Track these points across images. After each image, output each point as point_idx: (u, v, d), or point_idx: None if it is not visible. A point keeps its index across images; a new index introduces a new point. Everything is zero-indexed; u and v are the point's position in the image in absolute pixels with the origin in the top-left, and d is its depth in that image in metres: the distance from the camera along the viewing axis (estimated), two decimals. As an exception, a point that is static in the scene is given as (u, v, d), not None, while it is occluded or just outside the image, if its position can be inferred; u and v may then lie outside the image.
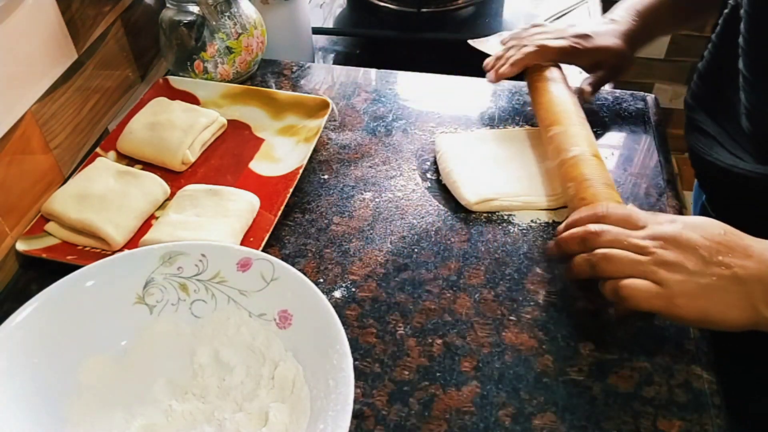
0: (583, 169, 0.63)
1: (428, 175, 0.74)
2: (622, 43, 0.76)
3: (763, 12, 0.55)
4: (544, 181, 0.70)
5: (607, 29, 0.77)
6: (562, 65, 0.79)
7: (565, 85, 0.75)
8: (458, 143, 0.75)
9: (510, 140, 0.76)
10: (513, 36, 0.82)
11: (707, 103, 0.70)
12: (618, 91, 0.86)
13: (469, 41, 0.89)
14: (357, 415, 0.53)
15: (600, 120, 0.80)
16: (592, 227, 0.55)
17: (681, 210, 0.69)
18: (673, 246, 0.51)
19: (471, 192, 0.69)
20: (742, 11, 0.54)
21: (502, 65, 0.77)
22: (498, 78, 0.77)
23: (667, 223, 0.53)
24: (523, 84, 0.86)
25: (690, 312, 0.49)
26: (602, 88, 0.86)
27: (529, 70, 0.78)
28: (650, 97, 0.84)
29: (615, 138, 0.78)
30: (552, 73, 0.76)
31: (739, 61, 0.56)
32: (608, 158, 0.75)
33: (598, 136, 0.78)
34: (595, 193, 0.60)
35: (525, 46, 0.77)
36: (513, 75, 0.77)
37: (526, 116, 0.81)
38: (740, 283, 0.49)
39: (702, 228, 0.52)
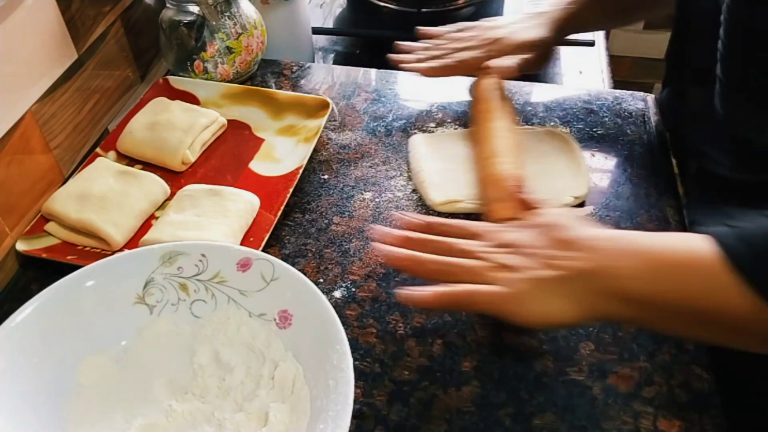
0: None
1: (428, 175, 0.74)
2: (544, 32, 0.76)
3: (742, 17, 0.54)
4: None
5: (527, 24, 0.78)
6: None
7: (501, 109, 0.73)
8: (430, 143, 0.76)
9: None
10: (441, 35, 0.82)
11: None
12: (618, 91, 0.86)
13: None
14: (357, 415, 0.53)
15: (600, 120, 0.80)
16: (449, 240, 0.55)
17: (681, 210, 0.69)
18: (516, 250, 0.52)
19: (437, 193, 0.69)
20: (721, 17, 0.54)
21: (419, 61, 0.78)
22: (409, 70, 0.78)
23: (514, 230, 0.54)
24: (523, 84, 0.86)
25: (527, 312, 0.49)
26: (602, 88, 0.86)
27: (475, 89, 0.77)
28: (650, 97, 0.84)
29: (615, 138, 0.78)
30: (491, 98, 0.74)
31: (717, 66, 0.56)
32: (608, 158, 0.75)
33: (598, 136, 0.78)
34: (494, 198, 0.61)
35: (446, 55, 0.78)
36: (425, 76, 0.79)
37: (526, 116, 0.81)
38: (574, 279, 0.49)
39: (546, 228, 0.53)
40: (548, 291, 0.49)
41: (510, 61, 0.75)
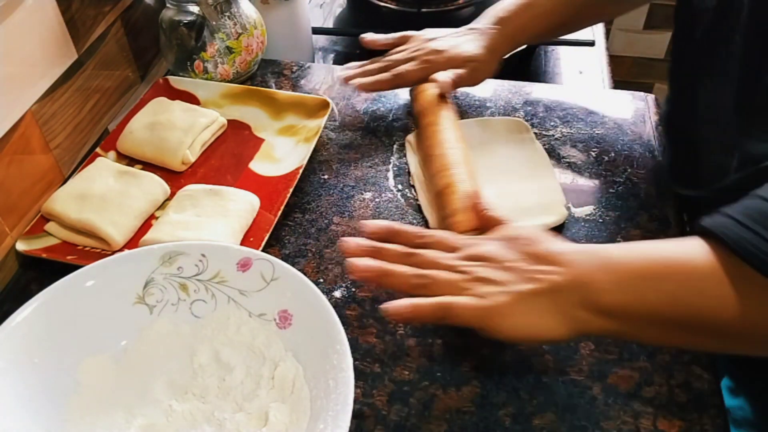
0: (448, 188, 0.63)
1: (428, 175, 0.74)
2: (477, 48, 0.76)
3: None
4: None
5: (465, 38, 0.77)
6: None
7: (447, 119, 0.73)
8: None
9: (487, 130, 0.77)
10: (382, 43, 0.83)
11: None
12: (618, 91, 0.86)
13: None
14: (357, 415, 0.53)
15: (600, 120, 0.80)
16: (416, 250, 0.54)
17: (681, 210, 0.69)
18: (489, 263, 0.51)
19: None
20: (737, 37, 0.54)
21: (362, 76, 0.79)
22: (354, 85, 0.78)
23: (485, 242, 0.53)
24: (523, 84, 0.86)
25: (510, 327, 0.49)
26: (602, 88, 0.86)
27: (415, 103, 0.77)
28: (650, 97, 0.84)
29: (615, 138, 0.78)
30: (435, 109, 0.74)
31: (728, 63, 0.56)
32: (608, 158, 0.75)
33: (598, 136, 0.78)
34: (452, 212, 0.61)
35: (384, 69, 0.78)
36: (363, 91, 0.79)
37: (526, 115, 0.81)
38: (554, 293, 0.48)
39: (517, 240, 0.52)
40: (529, 305, 0.49)
41: (445, 75, 0.74)
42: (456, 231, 0.59)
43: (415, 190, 0.72)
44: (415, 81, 0.77)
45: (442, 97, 0.75)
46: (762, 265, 0.43)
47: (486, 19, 0.79)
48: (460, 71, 0.75)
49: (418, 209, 0.70)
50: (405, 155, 0.76)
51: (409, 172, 0.74)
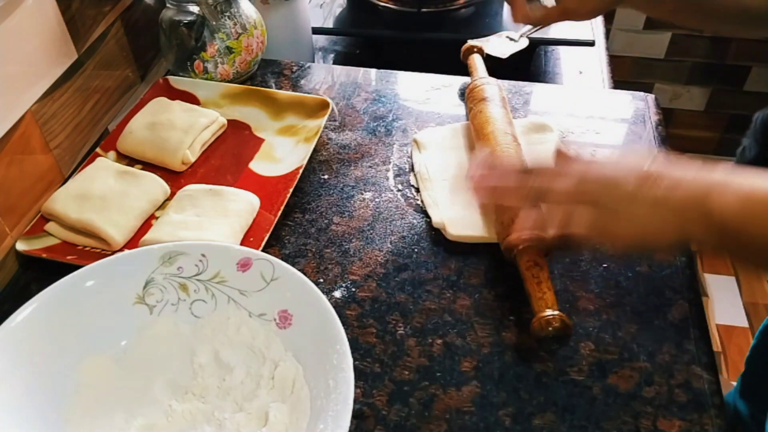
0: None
1: (428, 175, 0.74)
2: None
3: None
4: None
5: None
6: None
7: (500, 102, 0.74)
8: (434, 143, 0.76)
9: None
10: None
11: None
12: (618, 91, 0.86)
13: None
14: (357, 415, 0.53)
15: (600, 120, 0.80)
16: (514, 178, 0.55)
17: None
18: (600, 183, 0.51)
19: (452, 228, 0.66)
20: None
21: None
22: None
23: (591, 164, 0.53)
24: (523, 84, 0.86)
25: (627, 235, 0.50)
26: (602, 88, 0.86)
27: (468, 89, 0.78)
28: (650, 97, 0.84)
29: (615, 138, 0.78)
30: (488, 91, 0.76)
31: None
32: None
33: (598, 136, 0.78)
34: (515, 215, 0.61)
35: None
36: None
37: (526, 115, 0.81)
38: (671, 207, 0.49)
39: (625, 162, 0.52)
40: (644, 209, 0.49)
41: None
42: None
43: (416, 190, 0.72)
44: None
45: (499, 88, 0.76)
46: None
47: None
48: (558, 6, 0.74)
49: (418, 209, 0.70)
50: (405, 155, 0.76)
51: (412, 172, 0.74)
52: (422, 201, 0.70)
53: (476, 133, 0.73)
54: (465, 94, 0.81)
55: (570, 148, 0.58)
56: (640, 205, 0.49)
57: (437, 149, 0.75)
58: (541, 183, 0.54)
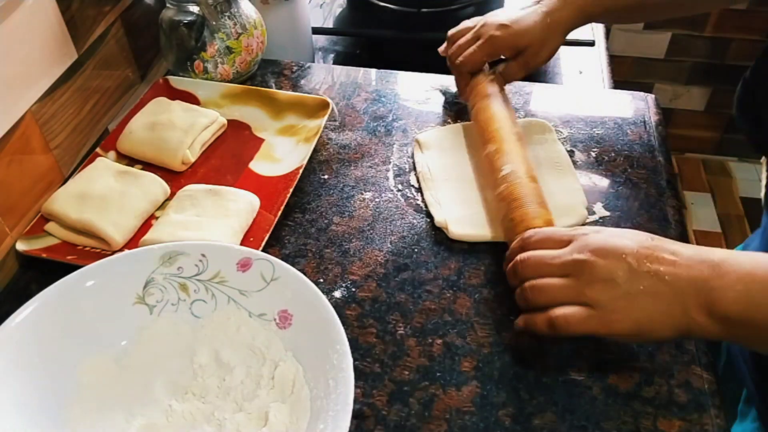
0: (514, 189, 0.62)
1: (428, 175, 0.74)
2: (542, 25, 0.74)
3: None
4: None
5: (527, 12, 0.75)
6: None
7: (502, 100, 0.74)
8: (435, 144, 0.76)
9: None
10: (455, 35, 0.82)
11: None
12: (618, 91, 0.86)
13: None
14: (357, 415, 0.53)
15: (600, 120, 0.80)
16: (519, 256, 0.54)
17: (680, 210, 0.70)
18: (600, 256, 0.50)
19: (456, 227, 0.66)
20: None
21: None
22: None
23: (592, 234, 0.52)
24: (523, 84, 0.86)
25: (624, 327, 0.49)
26: (602, 88, 0.86)
27: (470, 86, 0.78)
28: (650, 97, 0.84)
29: (615, 138, 0.78)
30: (490, 88, 0.75)
31: None
32: (608, 158, 0.75)
33: (598, 136, 0.78)
34: (525, 212, 0.60)
35: (452, 62, 0.79)
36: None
37: (526, 116, 0.81)
38: (671, 290, 0.48)
39: (627, 235, 0.51)
40: (643, 304, 0.48)
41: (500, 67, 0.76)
42: (525, 227, 0.59)
43: (416, 190, 0.72)
44: (480, 59, 0.77)
45: (499, 84, 0.76)
46: None
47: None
48: (520, 59, 0.75)
49: (419, 209, 0.70)
50: (405, 155, 0.76)
51: (414, 172, 0.74)
52: (424, 201, 0.70)
53: (481, 131, 0.72)
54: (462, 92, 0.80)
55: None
56: (637, 299, 0.48)
57: (439, 149, 0.75)
58: (535, 259, 0.53)
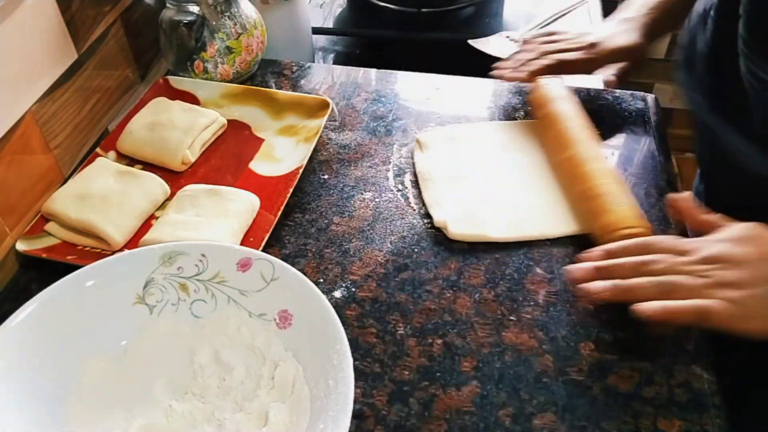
0: (609, 187, 0.64)
1: (428, 175, 0.74)
2: (637, 38, 0.77)
3: None
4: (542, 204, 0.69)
5: (618, 29, 0.78)
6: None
7: (573, 109, 0.74)
8: (439, 146, 0.75)
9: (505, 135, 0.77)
10: (529, 40, 0.83)
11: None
12: (618, 91, 0.86)
13: (470, 41, 0.89)
14: (357, 415, 0.53)
15: (600, 120, 0.80)
16: (647, 258, 0.54)
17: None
18: (728, 265, 0.51)
19: (456, 226, 0.66)
20: None
21: (517, 69, 0.79)
22: (511, 79, 0.79)
23: (715, 243, 0.53)
24: (523, 84, 0.86)
25: (759, 326, 0.50)
26: (602, 88, 0.86)
27: (535, 92, 0.78)
28: (650, 97, 0.84)
29: (615, 138, 0.78)
30: (558, 94, 0.76)
31: (739, 23, 0.56)
32: (608, 158, 0.75)
33: (598, 136, 0.78)
34: (625, 211, 0.62)
35: (543, 56, 0.79)
36: (525, 82, 0.79)
37: (526, 116, 0.81)
38: None
39: (749, 240, 0.52)
40: None
41: (611, 71, 0.78)
42: (614, 237, 0.60)
43: (416, 190, 0.72)
44: (573, 67, 0.78)
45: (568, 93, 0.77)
46: None
47: (636, 7, 0.80)
48: (622, 65, 0.78)
49: (419, 209, 0.70)
50: (405, 155, 0.76)
51: (414, 172, 0.74)
52: (424, 200, 0.70)
53: (550, 133, 0.73)
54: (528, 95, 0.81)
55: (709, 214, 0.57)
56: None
57: (439, 149, 0.75)
58: (668, 262, 0.53)
